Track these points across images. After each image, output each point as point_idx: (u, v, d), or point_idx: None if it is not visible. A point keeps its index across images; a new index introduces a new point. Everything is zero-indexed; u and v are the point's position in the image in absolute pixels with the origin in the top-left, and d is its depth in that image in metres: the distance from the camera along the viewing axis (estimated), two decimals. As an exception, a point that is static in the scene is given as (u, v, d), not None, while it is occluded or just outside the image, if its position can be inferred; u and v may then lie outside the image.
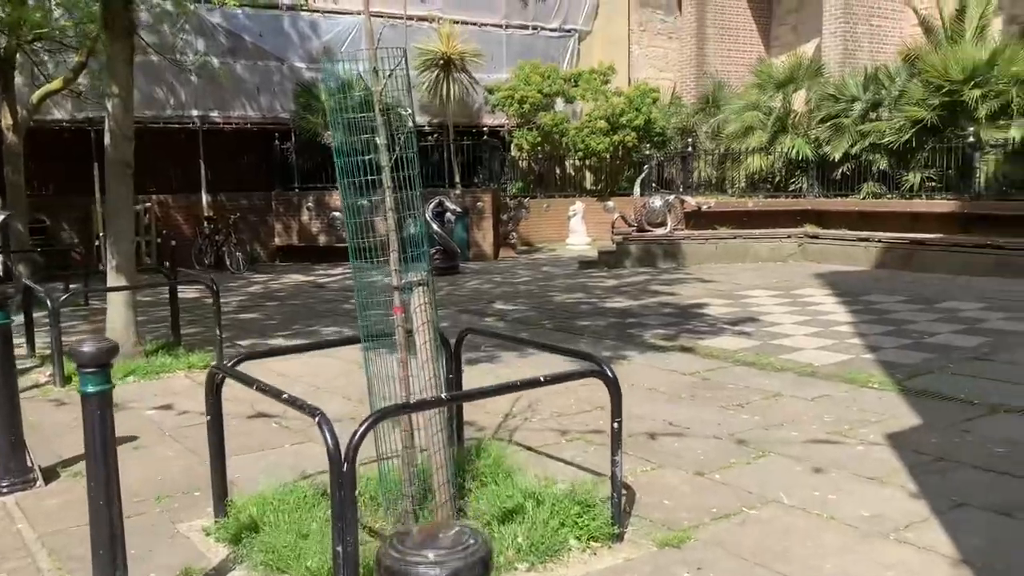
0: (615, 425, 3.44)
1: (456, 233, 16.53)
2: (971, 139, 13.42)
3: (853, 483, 4.24)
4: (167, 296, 8.64)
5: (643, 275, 13.57)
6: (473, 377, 6.58)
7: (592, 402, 5.64)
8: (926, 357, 7.12)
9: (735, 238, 14.61)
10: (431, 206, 14.59)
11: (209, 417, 3.83)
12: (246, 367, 3.88)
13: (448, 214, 14.63)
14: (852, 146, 15.13)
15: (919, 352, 7.33)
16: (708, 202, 15.91)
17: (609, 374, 3.42)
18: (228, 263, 15.48)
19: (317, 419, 2.88)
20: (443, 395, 3.49)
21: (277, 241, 17.05)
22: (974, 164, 13.47)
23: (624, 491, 3.86)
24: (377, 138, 3.65)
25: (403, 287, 3.70)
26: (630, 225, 16.38)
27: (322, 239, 16.99)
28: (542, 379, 3.27)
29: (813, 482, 4.27)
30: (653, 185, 16.96)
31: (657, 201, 15.64)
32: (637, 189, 15.48)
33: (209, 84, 16.69)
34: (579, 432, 5.22)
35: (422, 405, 3.20)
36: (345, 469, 2.77)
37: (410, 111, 3.70)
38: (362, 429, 2.79)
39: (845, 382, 6.37)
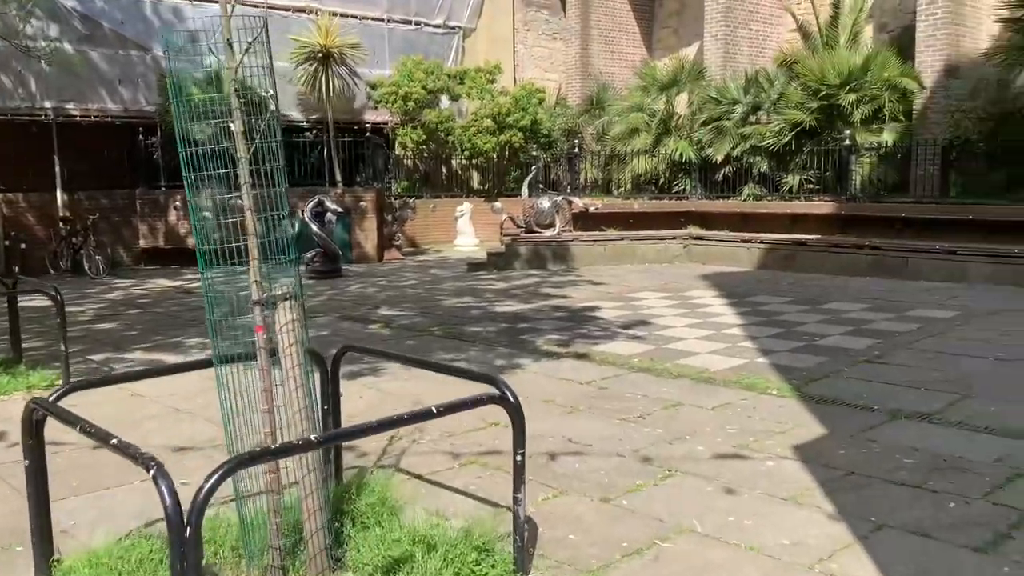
0: (518, 458, 3.01)
1: (337, 234, 15.76)
2: (847, 142, 13.79)
3: (768, 505, 3.96)
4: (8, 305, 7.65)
5: (533, 277, 13.26)
6: (354, 393, 6.03)
7: (486, 418, 5.20)
8: (819, 361, 7.04)
9: (623, 239, 14.51)
10: (310, 206, 13.83)
11: (27, 462, 3.16)
12: (84, 394, 3.23)
13: (329, 214, 13.90)
14: (734, 148, 15.33)
15: (812, 355, 7.25)
16: (595, 203, 15.78)
17: (511, 399, 2.98)
18: (87, 267, 14.19)
19: (152, 472, 2.31)
20: (313, 436, 2.95)
21: (142, 243, 15.81)
22: (850, 167, 13.85)
23: (525, 526, 3.43)
24: (232, 124, 3.08)
25: (266, 302, 3.14)
26: (519, 226, 16.08)
27: (191, 241, 15.81)
28: (434, 410, 2.79)
29: (726, 505, 3.96)
30: (541, 186, 16.71)
31: (545, 202, 15.39)
32: (525, 190, 15.18)
33: (64, 74, 15.29)
34: (473, 454, 4.77)
35: (287, 450, 2.65)
36: (188, 535, 2.21)
37: (272, 93, 3.15)
38: (208, 485, 2.24)
39: (744, 388, 6.18)
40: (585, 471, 4.48)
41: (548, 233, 15.04)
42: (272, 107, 3.13)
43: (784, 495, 4.06)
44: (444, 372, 3.45)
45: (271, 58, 3.16)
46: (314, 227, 13.67)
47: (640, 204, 16.15)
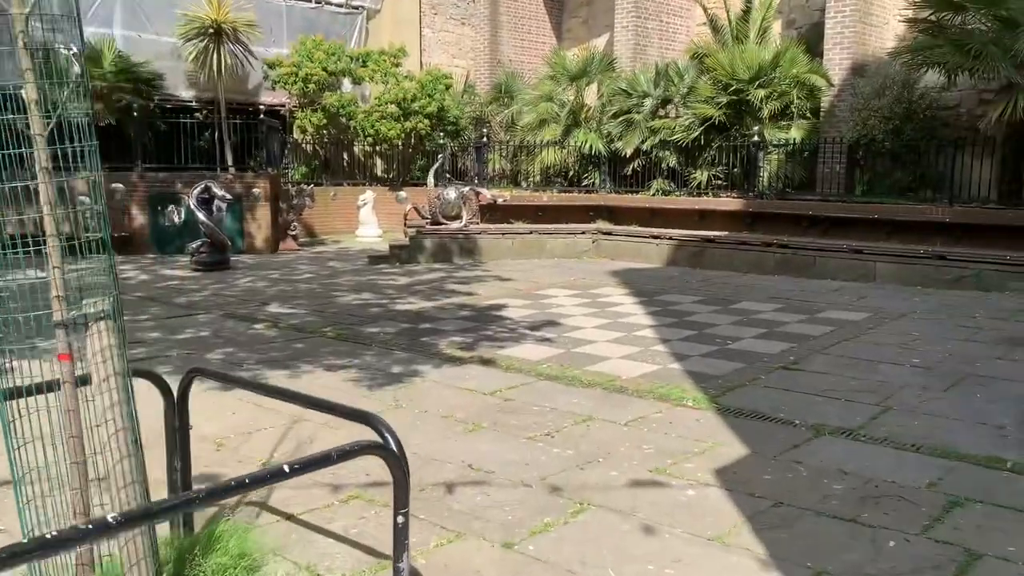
0: (399, 519, 2.41)
1: (227, 223, 14.74)
2: (756, 138, 13.68)
3: (693, 546, 3.49)
4: None
5: (438, 272, 12.63)
6: (227, 408, 5.30)
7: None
8: (735, 367, 6.70)
9: (531, 233, 14.04)
10: (196, 192, 12.80)
11: None
12: None
13: (217, 201, 12.90)
14: (643, 142, 15.05)
15: (726, 361, 6.91)
16: (503, 195, 15.25)
17: (393, 448, 2.38)
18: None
19: None
20: (144, 504, 2.28)
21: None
22: (758, 163, 13.74)
23: (413, 586, 2.85)
24: (23, 89, 2.37)
25: (72, 323, 2.45)
26: (424, 217, 15.39)
27: (65, 227, 14.54)
28: (286, 469, 2.16)
29: (646, 548, 3.47)
30: (447, 176, 16.06)
31: (451, 193, 14.76)
32: (431, 179, 14.52)
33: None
34: (357, 486, 4.14)
35: (96, 531, 1.96)
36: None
37: (75, 49, 2.45)
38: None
39: (658, 399, 5.75)
40: (487, 506, 3.92)
41: (454, 225, 14.43)
42: (77, 69, 2.43)
43: (710, 534, 3.60)
44: (310, 406, 2.82)
45: (78, 8, 2.45)
46: (200, 215, 12.66)
47: (549, 197, 15.71)
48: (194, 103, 17.03)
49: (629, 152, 15.17)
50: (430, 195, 14.85)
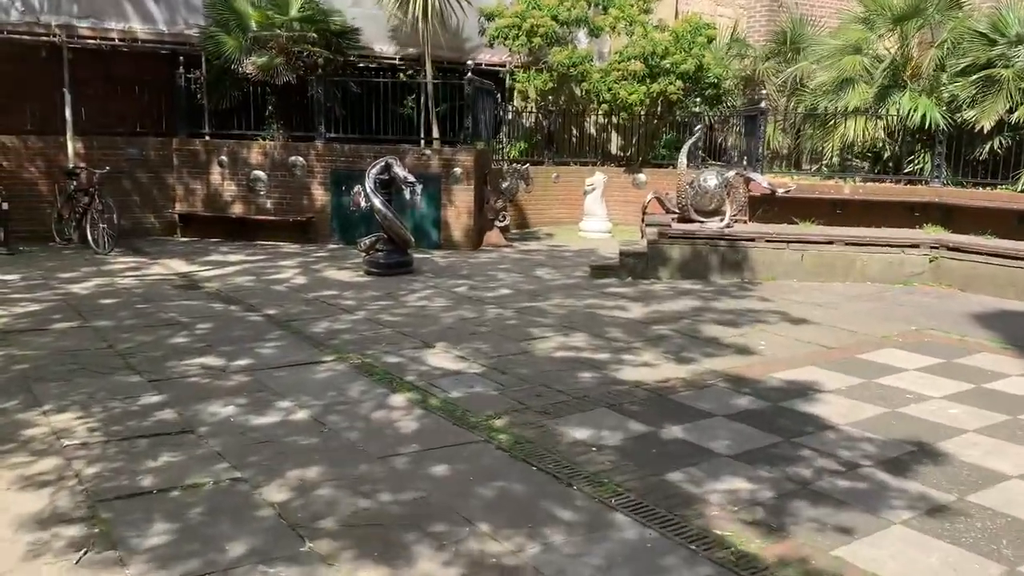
0: None
1: (418, 211, 11.66)
2: None
3: None
4: None
5: (689, 298, 8.64)
6: None
7: None
8: None
9: (830, 243, 9.57)
10: (373, 171, 9.71)
11: None
12: None
13: (401, 184, 9.75)
14: (1011, 110, 10.02)
15: None
16: (787, 184, 10.89)
17: None
18: (91, 238, 10.74)
19: None
20: None
21: (177, 208, 12.30)
22: None
23: None
24: None
25: None
26: (669, 211, 11.41)
27: (237, 208, 12.20)
28: None
29: None
30: (701, 155, 11.86)
31: (711, 179, 10.64)
32: (683, 160, 10.52)
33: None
34: None
35: None
36: None
37: None
38: None
39: None
40: None
41: (712, 225, 10.33)
42: None
43: None
44: None
45: None
46: (376, 201, 9.56)
47: (852, 188, 11.11)
48: (397, 60, 14.14)
49: (986, 125, 10.21)
50: (681, 181, 10.82)
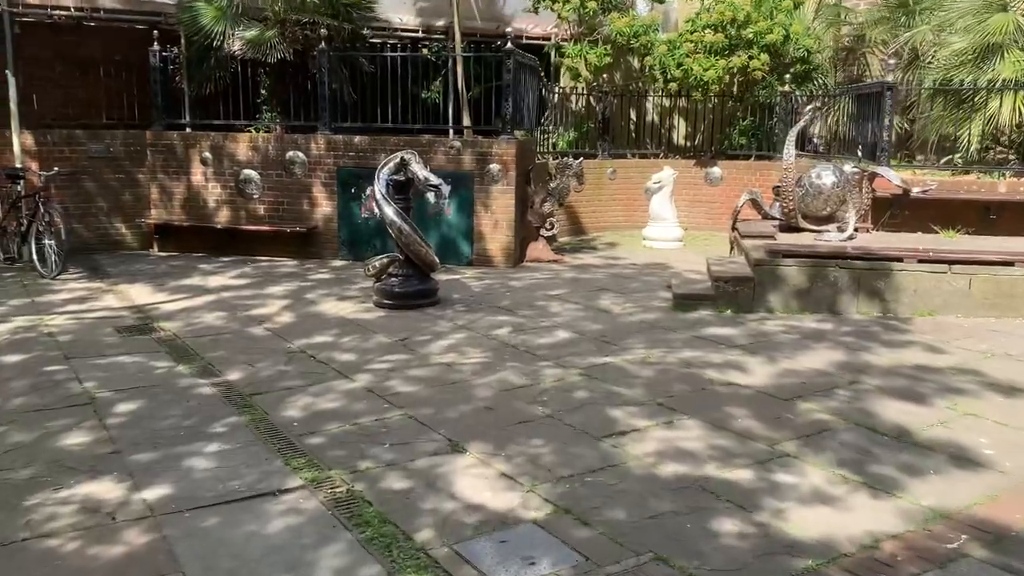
0: None
1: (446, 219, 9.31)
2: None
3: None
4: None
5: (825, 347, 6.15)
6: None
7: None
8: None
9: (1009, 263, 6.98)
10: (384, 171, 7.33)
11: None
12: None
13: (421, 186, 7.36)
14: None
15: None
16: (926, 182, 8.36)
17: None
18: (35, 257, 8.51)
19: None
20: None
21: (152, 215, 10.07)
22: None
23: None
24: None
25: None
26: (766, 216, 8.96)
27: (224, 215, 9.91)
28: None
29: None
30: (816, 144, 9.26)
31: (827, 176, 8.17)
32: (791, 149, 7.91)
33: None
34: None
35: None
36: None
37: None
38: None
39: None
40: None
41: (831, 236, 7.85)
42: None
43: None
44: None
45: None
46: (388, 210, 7.18)
47: (1008, 186, 8.54)
48: (420, 33, 11.76)
49: None
50: (786, 178, 8.31)
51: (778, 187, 9.31)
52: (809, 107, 8.93)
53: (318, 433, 4.34)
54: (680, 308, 7.23)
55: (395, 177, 7.33)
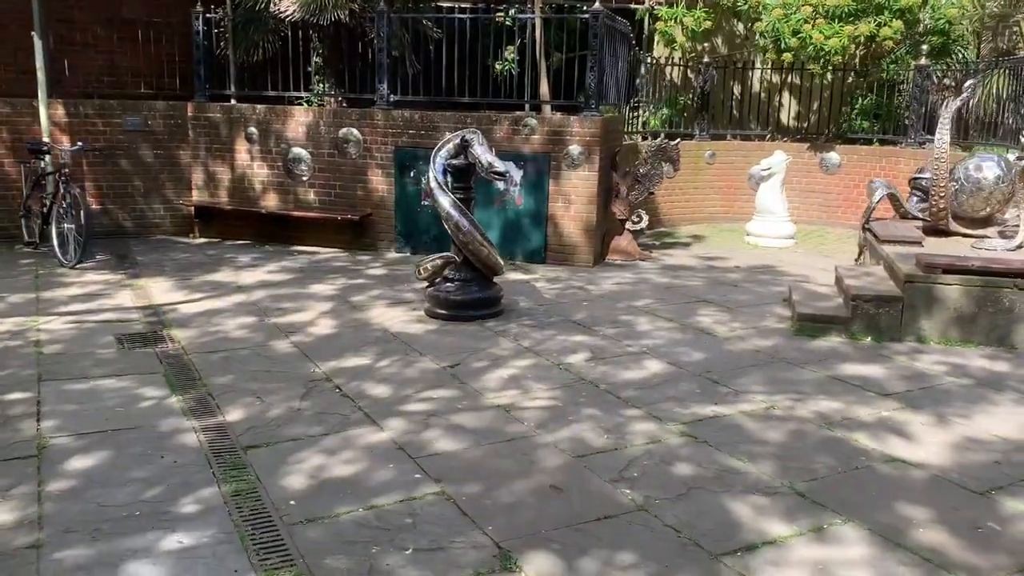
0: None
1: (514, 208, 8.01)
2: None
3: None
4: None
5: (1013, 399, 4.63)
6: None
7: None
8: None
9: None
10: (442, 155, 6.05)
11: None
12: None
13: (484, 173, 6.04)
14: None
15: None
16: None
17: None
18: (55, 242, 7.57)
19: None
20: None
21: (194, 196, 9.07)
22: None
23: None
24: None
25: None
26: (905, 216, 7.36)
27: (271, 199, 8.83)
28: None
29: None
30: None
31: (989, 168, 6.57)
32: (945, 135, 6.28)
33: None
34: None
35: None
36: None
37: None
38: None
39: None
40: None
41: (997, 244, 6.25)
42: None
43: None
44: None
45: None
46: (444, 201, 5.91)
47: None
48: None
49: None
50: (938, 171, 6.67)
51: (916, 179, 7.71)
52: (970, 82, 7.21)
53: (319, 522, 3.13)
54: (804, 332, 5.76)
55: (454, 161, 6.04)
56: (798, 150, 10.45)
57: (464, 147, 6.01)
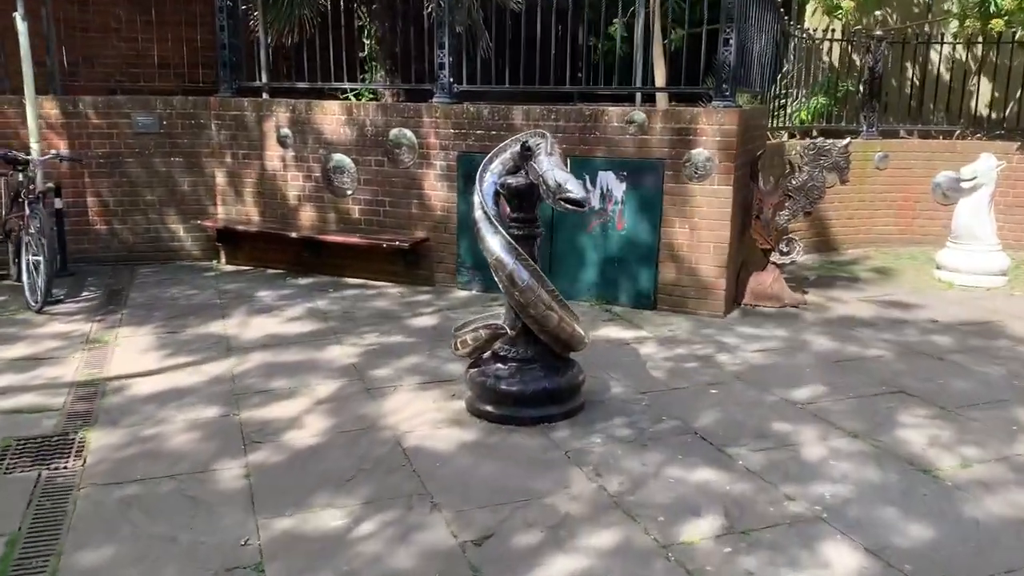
0: None
1: (612, 232, 5.82)
2: None
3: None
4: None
5: None
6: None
7: None
8: None
9: None
10: (491, 170, 3.96)
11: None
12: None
13: (547, 195, 3.89)
14: None
15: None
16: None
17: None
18: (23, 278, 5.93)
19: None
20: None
21: (219, 213, 7.34)
22: None
23: None
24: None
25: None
26: None
27: (305, 217, 6.98)
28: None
29: None
30: None
31: None
32: None
33: None
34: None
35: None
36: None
37: None
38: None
39: None
40: None
41: None
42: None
43: None
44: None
45: None
46: (492, 243, 3.81)
47: None
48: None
49: None
50: None
51: None
52: None
53: None
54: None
55: (510, 180, 3.93)
56: (1003, 150, 7.76)
57: (526, 158, 3.88)
